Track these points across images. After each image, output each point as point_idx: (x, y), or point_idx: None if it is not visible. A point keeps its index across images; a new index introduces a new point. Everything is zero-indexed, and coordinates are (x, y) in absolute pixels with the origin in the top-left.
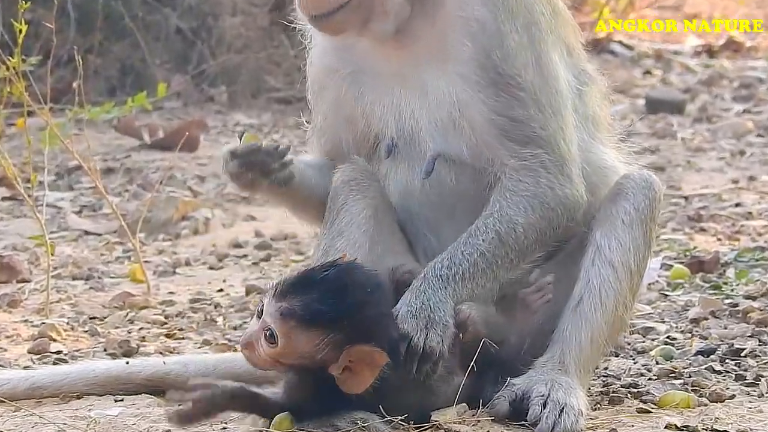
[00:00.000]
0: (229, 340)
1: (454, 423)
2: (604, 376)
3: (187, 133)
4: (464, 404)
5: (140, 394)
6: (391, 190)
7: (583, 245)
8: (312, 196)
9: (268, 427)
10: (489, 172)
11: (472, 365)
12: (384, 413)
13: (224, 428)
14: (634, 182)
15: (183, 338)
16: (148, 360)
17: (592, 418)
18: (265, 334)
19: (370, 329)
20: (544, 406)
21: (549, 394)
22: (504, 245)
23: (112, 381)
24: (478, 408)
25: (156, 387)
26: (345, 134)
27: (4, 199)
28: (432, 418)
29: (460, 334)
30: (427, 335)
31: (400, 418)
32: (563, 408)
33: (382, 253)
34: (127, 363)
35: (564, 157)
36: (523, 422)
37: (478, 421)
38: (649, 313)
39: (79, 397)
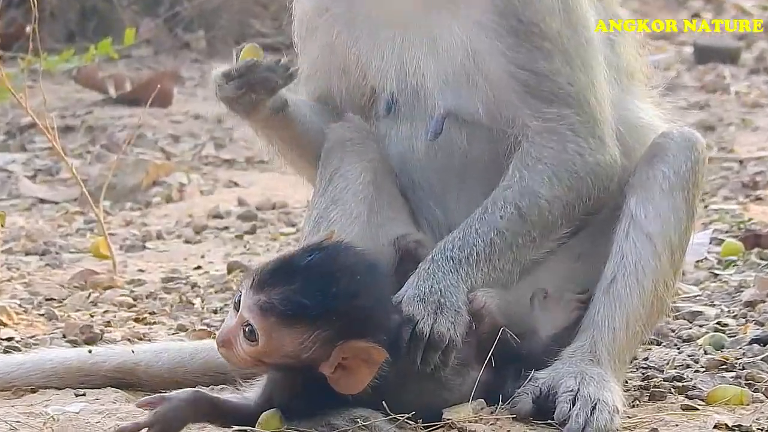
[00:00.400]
0: (208, 326)
1: (470, 422)
2: (644, 367)
3: (158, 86)
4: (481, 400)
5: (105, 387)
6: (391, 153)
7: (615, 214)
8: (307, 132)
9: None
10: (508, 135)
11: (490, 357)
12: (388, 410)
13: (202, 428)
14: (673, 141)
15: (154, 323)
16: (113, 348)
17: (629, 417)
18: (244, 331)
19: (363, 322)
20: (574, 402)
21: (579, 389)
22: (525, 222)
23: (72, 372)
24: (498, 405)
25: (123, 380)
26: (337, 84)
27: None
28: (444, 416)
29: (475, 325)
30: (435, 320)
31: (406, 416)
32: (596, 404)
33: (382, 224)
34: (90, 352)
35: (595, 117)
36: (549, 421)
37: (497, 419)
38: (697, 295)
39: (33, 391)
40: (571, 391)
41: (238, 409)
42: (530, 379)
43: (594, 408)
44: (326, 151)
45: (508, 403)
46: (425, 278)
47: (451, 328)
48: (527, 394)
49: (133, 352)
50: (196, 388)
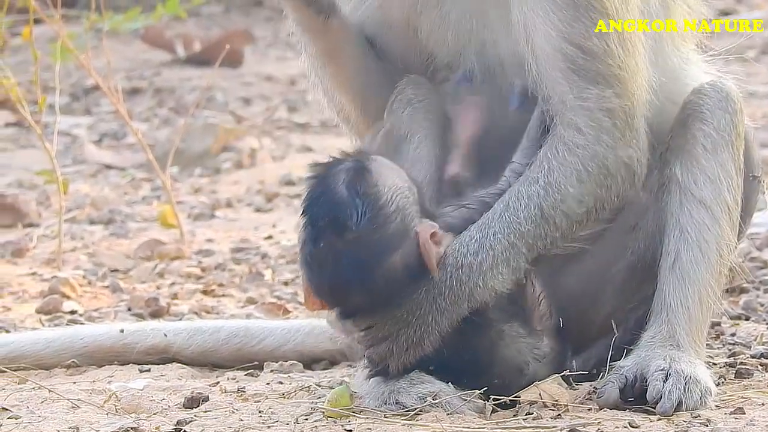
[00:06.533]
0: (279, 298)
1: (543, 401)
2: (730, 343)
3: (228, 46)
4: (557, 376)
5: (171, 363)
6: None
7: (655, 178)
8: (353, 56)
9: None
10: (550, 114)
11: (564, 343)
12: (460, 386)
13: (273, 413)
14: (707, 97)
15: (223, 296)
16: (145, 328)
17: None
18: None
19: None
20: (666, 379)
21: (671, 367)
22: (548, 224)
23: (104, 352)
24: (570, 386)
25: (154, 363)
26: (401, 44)
27: (8, 125)
28: (515, 394)
29: (537, 316)
30: (394, 356)
31: (477, 393)
32: (688, 382)
33: None
34: (122, 331)
35: (635, 105)
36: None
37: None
38: None
39: (99, 366)
40: (662, 369)
41: None
42: (615, 369)
43: (686, 386)
44: (393, 110)
45: (596, 394)
46: (433, 290)
47: (408, 362)
48: (613, 383)
49: (165, 335)
50: None
